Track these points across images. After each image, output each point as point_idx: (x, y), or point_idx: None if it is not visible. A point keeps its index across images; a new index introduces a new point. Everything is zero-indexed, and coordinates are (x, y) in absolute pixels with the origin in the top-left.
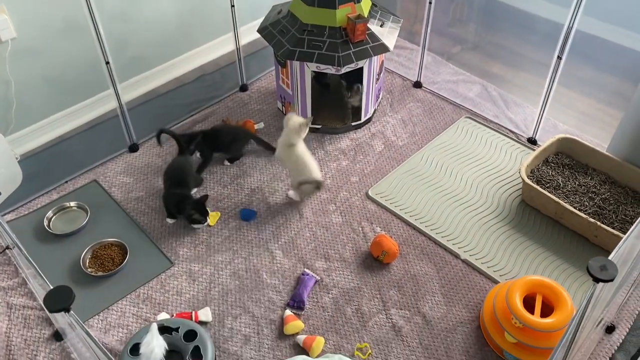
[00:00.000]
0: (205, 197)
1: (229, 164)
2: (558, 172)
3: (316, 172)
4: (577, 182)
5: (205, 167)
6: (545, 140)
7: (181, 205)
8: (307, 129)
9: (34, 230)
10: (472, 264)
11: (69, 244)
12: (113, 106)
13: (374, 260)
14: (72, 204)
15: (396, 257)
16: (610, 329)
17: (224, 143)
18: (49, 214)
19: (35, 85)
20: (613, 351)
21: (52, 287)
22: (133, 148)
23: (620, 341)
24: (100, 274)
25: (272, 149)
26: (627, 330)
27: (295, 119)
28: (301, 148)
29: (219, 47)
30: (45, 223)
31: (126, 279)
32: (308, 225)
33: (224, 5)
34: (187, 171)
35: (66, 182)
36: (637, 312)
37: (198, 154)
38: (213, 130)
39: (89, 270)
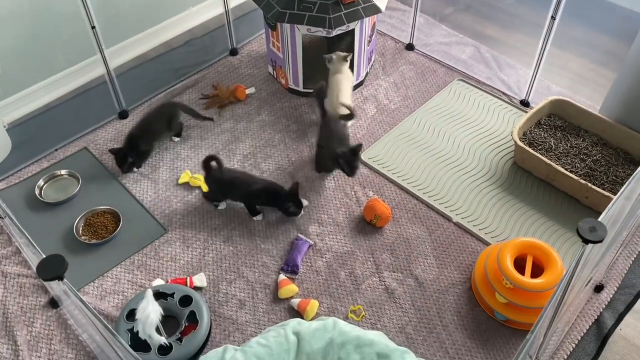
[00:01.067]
0: (297, 184)
1: (177, 139)
2: (550, 134)
3: (344, 97)
4: (569, 144)
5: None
6: (538, 102)
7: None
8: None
9: (26, 199)
10: (464, 226)
11: (61, 212)
12: (101, 72)
13: (367, 224)
14: (63, 172)
15: (389, 221)
16: (599, 288)
17: (159, 131)
18: (40, 182)
19: (20, 52)
20: (601, 309)
21: (45, 256)
22: (123, 115)
23: (609, 300)
24: (94, 241)
25: (200, 117)
26: (616, 289)
27: (339, 53)
28: (342, 76)
29: (208, 10)
30: (37, 192)
31: (120, 247)
32: (301, 190)
33: None
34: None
35: (56, 150)
36: (625, 271)
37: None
38: (138, 129)
39: (83, 238)
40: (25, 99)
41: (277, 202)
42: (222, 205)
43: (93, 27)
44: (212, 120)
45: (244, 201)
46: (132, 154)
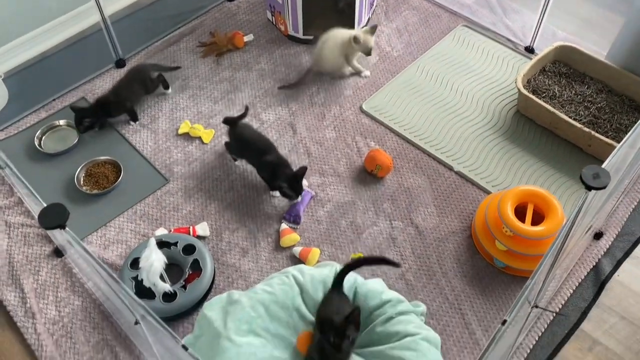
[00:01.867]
0: (304, 169)
1: (168, 90)
2: (555, 82)
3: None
4: (573, 92)
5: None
6: (543, 49)
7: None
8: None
9: (25, 149)
10: (466, 175)
11: (61, 162)
12: (96, 20)
13: (368, 175)
14: (62, 122)
15: (390, 171)
16: (598, 236)
17: (130, 97)
18: (39, 133)
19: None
20: (600, 256)
21: (46, 205)
22: (120, 63)
23: (607, 247)
24: (95, 192)
25: (168, 69)
26: (615, 236)
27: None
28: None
29: None
30: (36, 142)
31: (122, 197)
32: (302, 141)
33: None
34: None
35: (54, 100)
36: (625, 219)
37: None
38: (112, 94)
39: (84, 188)
40: (20, 48)
41: (280, 178)
42: (238, 162)
43: None
44: (180, 68)
45: (257, 168)
46: (92, 118)
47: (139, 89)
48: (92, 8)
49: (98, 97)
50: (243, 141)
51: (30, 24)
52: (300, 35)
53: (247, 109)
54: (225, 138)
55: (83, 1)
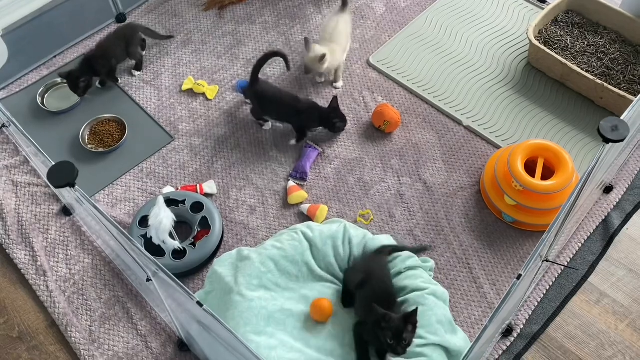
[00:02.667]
0: (335, 98)
1: (138, 72)
2: (567, 32)
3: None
4: (586, 42)
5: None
6: None
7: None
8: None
9: (28, 107)
10: (475, 130)
11: (65, 121)
12: None
13: (376, 130)
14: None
15: (398, 126)
16: (608, 189)
17: (116, 54)
18: (41, 91)
19: None
20: (609, 210)
21: (53, 164)
22: (120, 18)
23: (617, 200)
24: (101, 150)
25: (160, 37)
26: (625, 189)
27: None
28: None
29: None
30: (39, 100)
31: (127, 155)
32: (308, 96)
33: None
34: None
35: (54, 57)
36: (636, 173)
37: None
38: (98, 50)
39: (89, 146)
40: (18, 3)
41: (323, 121)
42: (267, 126)
43: None
44: (173, 37)
45: (291, 122)
46: (86, 77)
47: (120, 49)
48: None
49: (85, 54)
50: (269, 99)
51: None
52: None
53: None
54: (229, 94)
55: None
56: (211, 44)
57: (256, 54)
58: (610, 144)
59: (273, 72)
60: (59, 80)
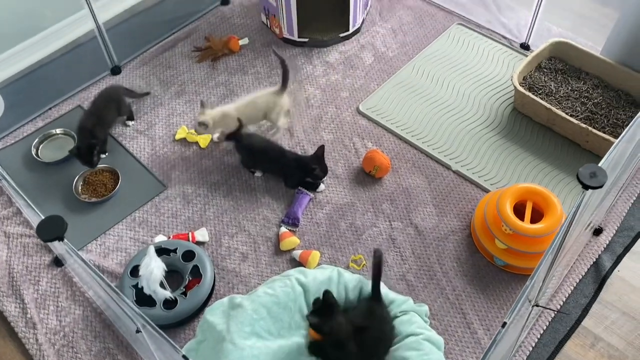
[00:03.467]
0: (322, 147)
1: (132, 122)
2: (551, 78)
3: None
4: (569, 87)
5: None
6: (539, 45)
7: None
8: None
9: (23, 159)
10: (464, 174)
11: (59, 171)
12: (90, 27)
13: (367, 176)
14: (58, 130)
15: (388, 172)
16: (597, 232)
17: (107, 117)
18: (36, 142)
19: (4, 9)
20: (600, 252)
21: (44, 217)
22: (115, 70)
23: (607, 242)
24: (94, 200)
25: (138, 95)
26: (614, 231)
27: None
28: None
29: None
30: (33, 152)
31: (120, 204)
32: (299, 143)
33: None
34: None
35: (50, 108)
36: (624, 214)
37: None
38: (93, 118)
39: (83, 196)
40: (15, 57)
41: (305, 170)
42: (258, 173)
43: None
44: (149, 94)
45: (278, 175)
46: (95, 146)
47: (113, 110)
48: (87, 16)
49: (80, 126)
50: (255, 151)
51: (24, 33)
52: (295, 37)
53: (240, 123)
54: (222, 142)
55: (77, 9)
56: (204, 94)
57: None
58: (590, 190)
59: (264, 121)
60: (54, 131)
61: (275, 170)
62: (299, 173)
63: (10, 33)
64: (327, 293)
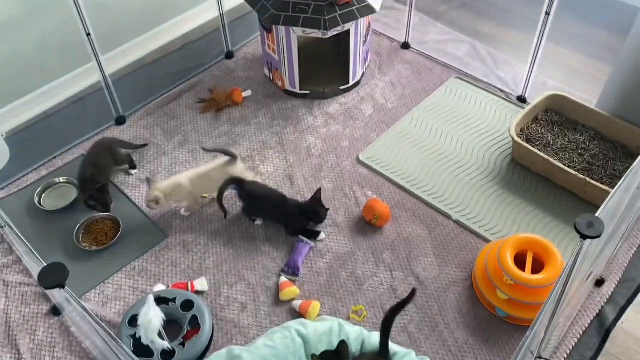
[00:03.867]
0: (319, 190)
1: (134, 171)
2: (548, 130)
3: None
4: (566, 139)
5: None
6: (535, 98)
7: None
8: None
9: (26, 207)
10: (464, 224)
11: (61, 219)
12: (97, 79)
13: (367, 225)
14: (62, 179)
15: (389, 221)
16: (599, 283)
17: (103, 165)
18: (39, 190)
19: (16, 61)
20: (602, 304)
21: (45, 264)
22: (120, 121)
23: (610, 294)
24: (94, 248)
25: (135, 147)
26: (616, 283)
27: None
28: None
29: (203, 14)
30: (36, 200)
31: (121, 253)
32: (300, 192)
33: None
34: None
35: (54, 157)
36: (626, 265)
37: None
38: (92, 167)
39: (83, 245)
40: (23, 108)
41: (307, 215)
42: (259, 221)
43: (88, 34)
44: (147, 145)
45: (280, 223)
46: (105, 182)
47: (109, 160)
48: (94, 68)
49: (82, 178)
50: (257, 199)
51: (33, 84)
52: (297, 90)
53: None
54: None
55: (85, 61)
56: (207, 144)
57: (250, 152)
58: (588, 240)
59: (266, 169)
60: (57, 179)
61: (277, 218)
62: (301, 220)
63: (18, 84)
64: (342, 344)
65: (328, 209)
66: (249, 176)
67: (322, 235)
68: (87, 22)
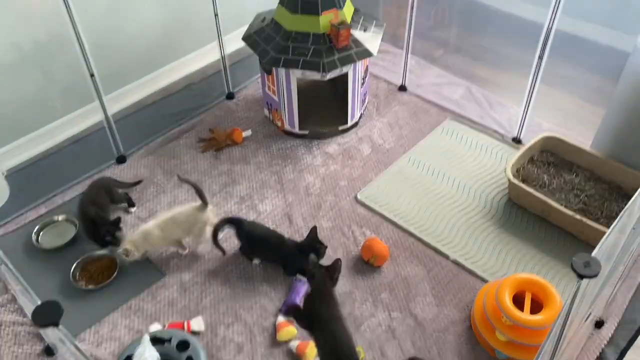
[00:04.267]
0: (314, 228)
1: (133, 209)
2: (543, 170)
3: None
4: (562, 180)
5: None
6: (530, 139)
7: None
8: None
9: (23, 245)
10: (462, 264)
11: (58, 258)
12: (99, 118)
13: (365, 264)
14: (61, 217)
15: (387, 260)
16: (599, 324)
17: (101, 203)
18: (37, 228)
19: (20, 100)
20: (603, 346)
21: (40, 302)
22: (120, 159)
23: (610, 335)
24: (90, 287)
25: (129, 185)
26: (616, 324)
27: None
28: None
29: (205, 56)
30: (34, 238)
31: (117, 292)
32: (298, 231)
33: (208, 14)
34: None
35: (54, 195)
36: (625, 306)
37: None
38: (94, 206)
39: (79, 284)
40: (25, 146)
41: (307, 252)
42: (256, 260)
43: (92, 75)
44: (141, 182)
45: (279, 261)
46: (117, 219)
47: (105, 198)
48: (96, 108)
49: (86, 219)
50: (256, 238)
51: (35, 123)
52: (296, 130)
53: (227, 220)
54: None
55: (87, 101)
56: (207, 183)
57: (249, 191)
58: (586, 279)
59: (265, 208)
60: (56, 217)
61: (276, 258)
62: (300, 259)
63: (21, 123)
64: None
65: (327, 246)
66: (213, 221)
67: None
68: (92, 63)
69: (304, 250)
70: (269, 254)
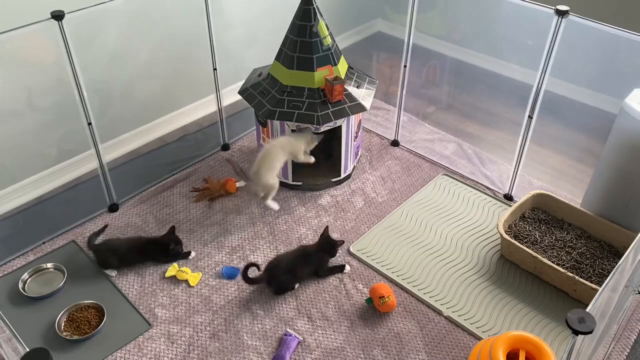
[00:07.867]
0: (326, 228)
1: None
2: (535, 227)
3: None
4: (553, 237)
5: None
6: (521, 196)
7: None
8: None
9: (9, 293)
10: (455, 320)
11: (44, 306)
12: (94, 166)
13: (358, 318)
14: (49, 265)
15: (393, 309)
16: None
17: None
18: (25, 276)
19: (14, 147)
20: None
21: (28, 350)
22: (113, 208)
23: None
24: (75, 337)
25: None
26: None
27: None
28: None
29: (202, 108)
30: (20, 285)
31: (103, 343)
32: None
33: (206, 68)
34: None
35: (43, 243)
36: None
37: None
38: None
39: (65, 334)
40: (17, 192)
41: (326, 251)
42: (296, 285)
43: (89, 124)
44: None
45: (313, 269)
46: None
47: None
48: (91, 156)
49: (95, 248)
50: (287, 269)
51: (28, 171)
52: (289, 181)
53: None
54: (212, 280)
55: (82, 149)
56: (198, 233)
57: (241, 242)
58: (581, 335)
59: (257, 259)
60: (44, 265)
61: (310, 271)
62: (325, 257)
63: (15, 170)
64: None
65: (343, 241)
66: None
67: (348, 268)
68: (90, 111)
69: (326, 249)
70: (306, 272)
